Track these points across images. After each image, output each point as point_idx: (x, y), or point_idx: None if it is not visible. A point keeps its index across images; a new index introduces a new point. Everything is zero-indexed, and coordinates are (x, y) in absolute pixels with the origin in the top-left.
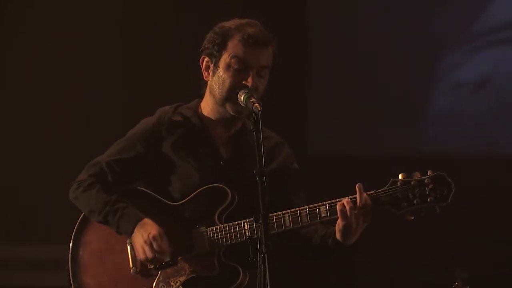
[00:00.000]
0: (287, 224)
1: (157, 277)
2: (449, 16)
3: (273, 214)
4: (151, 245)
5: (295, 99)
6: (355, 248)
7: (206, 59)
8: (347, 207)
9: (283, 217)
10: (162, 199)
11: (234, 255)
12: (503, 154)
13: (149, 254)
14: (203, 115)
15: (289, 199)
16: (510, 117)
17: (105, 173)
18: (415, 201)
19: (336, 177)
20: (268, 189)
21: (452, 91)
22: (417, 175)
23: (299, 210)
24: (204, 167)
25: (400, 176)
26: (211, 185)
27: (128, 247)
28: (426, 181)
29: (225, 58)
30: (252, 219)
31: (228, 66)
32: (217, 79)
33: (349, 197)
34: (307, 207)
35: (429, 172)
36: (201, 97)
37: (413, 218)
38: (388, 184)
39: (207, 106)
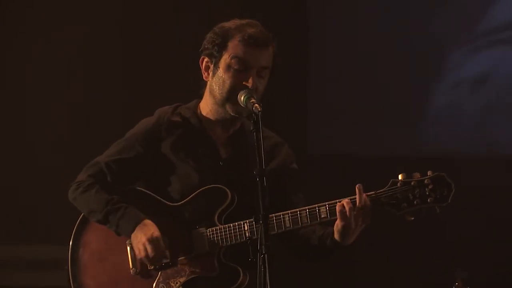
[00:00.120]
0: (287, 225)
1: (157, 278)
2: (449, 16)
3: (273, 215)
4: (151, 245)
5: (295, 99)
6: (353, 248)
7: (206, 59)
8: (347, 208)
9: (283, 218)
10: (161, 199)
11: (234, 256)
12: (503, 154)
13: (150, 254)
14: (202, 115)
15: (289, 199)
16: (510, 117)
17: (104, 173)
18: (415, 202)
19: (336, 177)
20: (267, 189)
21: (452, 91)
22: (417, 175)
23: (299, 210)
24: (204, 168)
25: (400, 177)
26: (210, 186)
27: (128, 248)
28: (426, 181)
29: (225, 58)
30: (252, 219)
31: (228, 67)
32: (217, 80)
33: (348, 198)
34: (307, 208)
35: (429, 173)
36: (200, 97)
37: (413, 218)
38: (388, 185)
39: (206, 106)
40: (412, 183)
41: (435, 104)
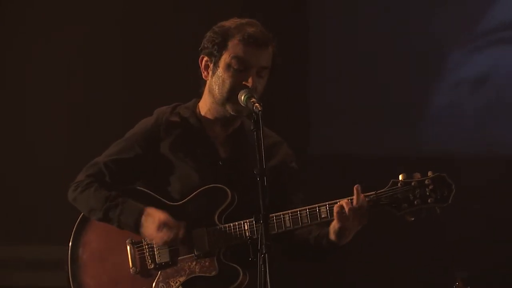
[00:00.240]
0: (287, 224)
1: (157, 277)
2: (449, 16)
3: (273, 214)
4: (163, 231)
5: (295, 99)
6: (353, 248)
7: (206, 58)
8: (346, 209)
9: (283, 217)
10: (161, 199)
11: (234, 256)
12: (503, 154)
13: (168, 235)
14: (201, 115)
15: (289, 198)
16: (510, 117)
17: (103, 173)
18: (415, 202)
19: (336, 177)
20: (267, 188)
21: (452, 91)
22: (417, 176)
23: (299, 210)
24: (203, 167)
25: (400, 177)
26: (210, 185)
27: (128, 247)
28: (426, 182)
29: (225, 58)
30: (252, 219)
31: (228, 66)
32: (216, 79)
33: (346, 199)
34: (307, 207)
35: (430, 173)
36: (199, 96)
37: (413, 219)
38: (389, 185)
39: (205, 105)
40: (413, 184)
41: (435, 104)
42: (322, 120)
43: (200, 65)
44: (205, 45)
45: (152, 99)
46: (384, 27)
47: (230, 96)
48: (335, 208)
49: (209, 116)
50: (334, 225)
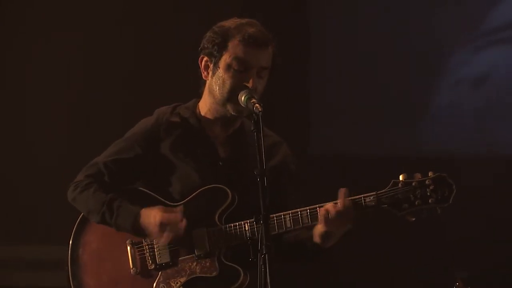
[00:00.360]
0: (288, 224)
1: (157, 277)
2: (449, 16)
3: (274, 215)
4: (165, 223)
5: (295, 99)
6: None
7: (205, 58)
8: (330, 212)
9: (284, 217)
10: (161, 199)
11: (235, 256)
12: (503, 154)
13: (173, 233)
14: (201, 115)
15: (289, 198)
16: (510, 117)
17: (102, 173)
18: (416, 202)
19: (336, 177)
20: (268, 188)
21: (452, 90)
22: (418, 176)
23: (300, 210)
24: (203, 168)
25: (401, 177)
26: (211, 186)
27: (128, 248)
28: (427, 182)
29: (225, 58)
30: (252, 219)
31: (228, 67)
32: (217, 79)
33: (332, 202)
34: (307, 208)
35: (430, 173)
36: (199, 96)
37: (414, 219)
38: (389, 185)
39: (205, 106)
40: (413, 184)
41: (435, 104)
42: (322, 120)
43: (200, 65)
44: (205, 45)
45: (152, 99)
46: (384, 27)
47: (231, 97)
48: (320, 211)
49: (209, 116)
50: (319, 228)
